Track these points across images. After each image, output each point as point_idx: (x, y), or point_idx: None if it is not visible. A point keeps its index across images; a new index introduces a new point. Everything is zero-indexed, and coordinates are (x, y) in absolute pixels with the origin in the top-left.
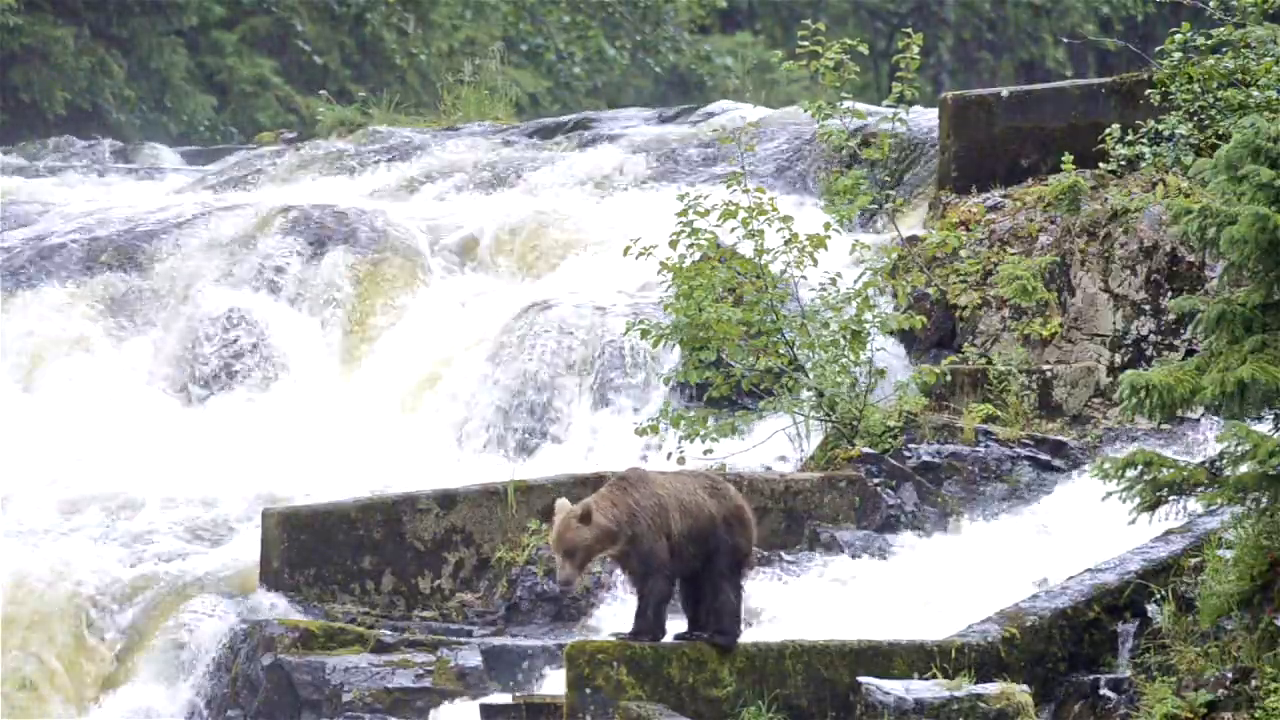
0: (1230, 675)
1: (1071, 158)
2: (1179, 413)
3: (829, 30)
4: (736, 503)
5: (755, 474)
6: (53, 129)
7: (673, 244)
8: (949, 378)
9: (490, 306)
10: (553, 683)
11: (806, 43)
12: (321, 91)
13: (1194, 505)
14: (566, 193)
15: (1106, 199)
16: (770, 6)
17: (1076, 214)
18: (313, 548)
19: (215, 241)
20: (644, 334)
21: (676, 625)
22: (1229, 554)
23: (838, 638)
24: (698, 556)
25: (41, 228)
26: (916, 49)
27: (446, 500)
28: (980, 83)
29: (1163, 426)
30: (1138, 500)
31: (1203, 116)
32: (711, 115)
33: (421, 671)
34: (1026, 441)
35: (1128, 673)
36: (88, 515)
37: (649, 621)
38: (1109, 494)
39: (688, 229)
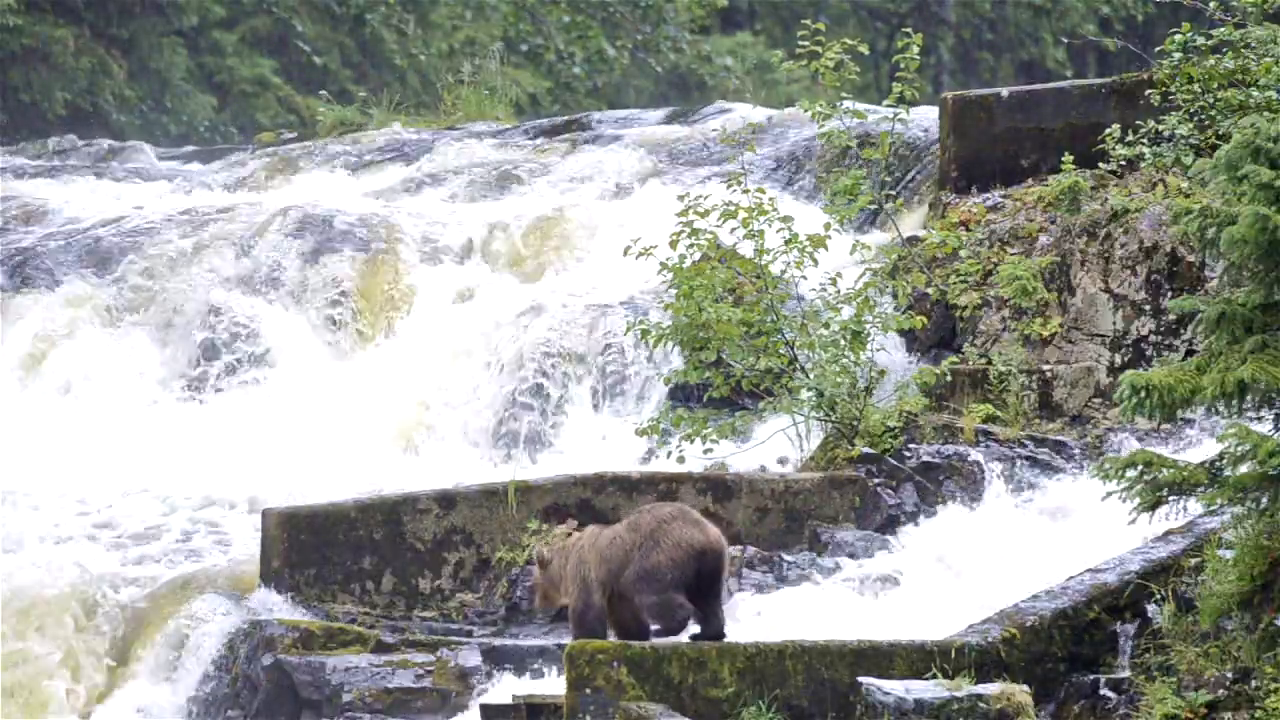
0: (1230, 675)
1: (1071, 158)
2: (1179, 413)
3: (829, 30)
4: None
5: (755, 474)
6: (53, 129)
7: (673, 244)
8: (949, 378)
9: (490, 306)
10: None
11: (806, 43)
12: (321, 91)
13: (1194, 505)
14: (566, 193)
15: (1106, 199)
16: (770, 6)
17: (1076, 214)
18: (313, 548)
19: (215, 242)
20: (644, 334)
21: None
22: (1229, 554)
23: (838, 638)
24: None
25: (41, 228)
26: (916, 49)
27: (446, 500)
28: (980, 83)
29: (1163, 426)
30: (1138, 500)
31: (1203, 116)
32: (712, 115)
33: (421, 671)
34: (1026, 441)
35: (1128, 673)
36: (88, 514)
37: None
38: (1109, 494)
39: (688, 229)
